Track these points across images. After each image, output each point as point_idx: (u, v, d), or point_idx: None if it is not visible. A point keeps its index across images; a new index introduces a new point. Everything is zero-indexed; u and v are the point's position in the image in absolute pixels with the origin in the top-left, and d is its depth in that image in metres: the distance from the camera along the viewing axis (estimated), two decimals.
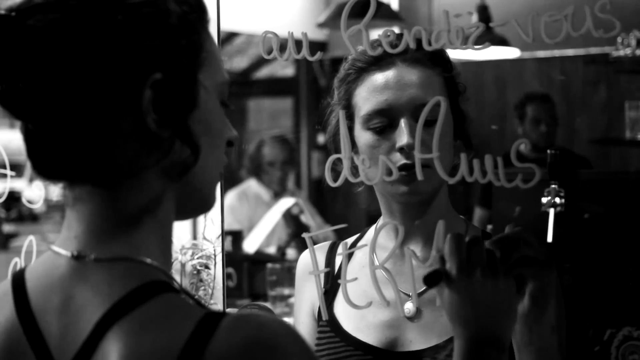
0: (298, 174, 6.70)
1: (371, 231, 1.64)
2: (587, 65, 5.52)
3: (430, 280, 1.20)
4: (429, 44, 1.33)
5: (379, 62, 1.52)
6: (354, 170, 1.47)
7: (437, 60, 1.54)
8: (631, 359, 1.23)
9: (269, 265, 3.31)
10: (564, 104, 5.67)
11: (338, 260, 1.63)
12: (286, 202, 4.36)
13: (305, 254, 1.64)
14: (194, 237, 2.05)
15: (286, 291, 3.27)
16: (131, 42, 0.96)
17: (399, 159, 1.46)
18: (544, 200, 2.24)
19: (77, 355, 0.98)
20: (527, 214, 2.28)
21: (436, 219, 1.52)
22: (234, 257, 3.46)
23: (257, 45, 1.70)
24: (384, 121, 1.47)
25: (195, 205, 1.09)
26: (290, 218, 4.10)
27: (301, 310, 1.68)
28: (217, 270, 1.83)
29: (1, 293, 1.07)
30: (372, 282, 1.37)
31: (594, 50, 5.38)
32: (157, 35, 0.98)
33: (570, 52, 5.65)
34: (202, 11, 1.05)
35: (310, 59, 1.42)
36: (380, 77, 1.52)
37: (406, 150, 1.45)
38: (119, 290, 0.98)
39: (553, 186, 2.25)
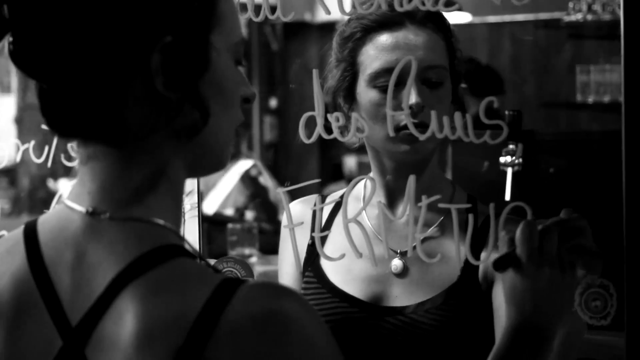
0: (250, 137, 6.71)
1: (359, 186, 1.67)
2: (539, 30, 5.59)
3: (500, 264, 1.22)
4: (401, 5, 1.36)
5: (388, 22, 1.56)
6: (327, 128, 1.49)
7: (440, 25, 1.58)
8: (593, 305, 1.29)
9: (230, 225, 3.35)
10: (516, 68, 5.75)
11: (326, 212, 1.67)
12: (244, 164, 4.38)
13: (292, 205, 1.66)
14: None
15: (247, 251, 3.31)
16: (141, 3, 0.97)
17: (403, 119, 1.47)
18: (502, 159, 2.30)
19: (90, 311, 0.97)
20: (489, 171, 2.34)
21: (427, 179, 1.58)
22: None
23: None
24: (388, 79, 1.46)
25: (210, 163, 1.09)
26: (249, 179, 4.11)
27: (285, 261, 1.71)
28: (186, 227, 1.84)
29: (12, 242, 1.07)
30: (345, 235, 1.40)
31: (544, 15, 5.45)
32: None
33: (520, 17, 5.71)
34: None
35: (271, 17, 1.45)
36: (389, 37, 1.55)
37: (414, 110, 1.48)
38: (134, 250, 0.97)
39: (511, 146, 2.31)
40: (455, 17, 5.48)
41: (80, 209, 1.02)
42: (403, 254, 1.58)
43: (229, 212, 4.21)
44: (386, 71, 1.52)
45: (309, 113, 1.46)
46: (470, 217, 1.29)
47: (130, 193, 1.01)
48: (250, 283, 0.95)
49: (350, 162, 6.32)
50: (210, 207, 4.03)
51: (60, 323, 0.99)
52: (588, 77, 5.04)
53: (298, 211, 1.62)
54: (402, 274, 1.57)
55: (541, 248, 1.21)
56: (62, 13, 0.96)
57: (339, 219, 1.63)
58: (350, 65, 1.59)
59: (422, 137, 1.36)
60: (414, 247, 1.37)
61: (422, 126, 1.37)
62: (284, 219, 1.58)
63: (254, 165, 4.26)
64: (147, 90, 0.98)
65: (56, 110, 1.01)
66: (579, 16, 4.91)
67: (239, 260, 1.58)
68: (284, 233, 1.70)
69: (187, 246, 1.01)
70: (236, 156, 5.05)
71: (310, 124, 1.47)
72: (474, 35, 5.96)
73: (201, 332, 0.91)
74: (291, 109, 6.72)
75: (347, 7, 1.45)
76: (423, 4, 1.35)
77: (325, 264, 1.63)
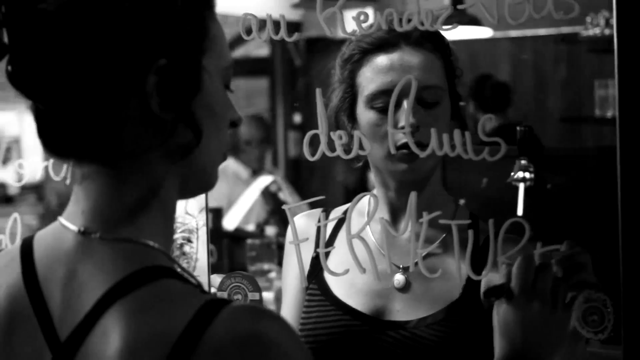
0: (275, 153, 6.74)
1: (363, 201, 1.68)
2: (558, 44, 5.60)
3: (492, 293, 1.25)
4: (400, 25, 1.39)
5: (383, 44, 1.60)
6: (332, 145, 1.52)
7: (437, 45, 1.60)
8: (591, 319, 1.30)
9: (249, 241, 3.38)
10: (535, 82, 5.76)
11: (330, 227, 1.70)
12: (264, 180, 4.41)
13: (296, 219, 1.69)
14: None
15: (266, 266, 3.34)
16: (137, 27, 1.00)
17: (401, 138, 1.52)
18: (514, 175, 2.32)
19: (77, 328, 1.00)
20: (494, 186, 2.36)
21: (429, 196, 1.60)
22: (214, 234, 3.51)
23: (231, 25, 1.74)
24: (387, 101, 1.50)
25: (198, 184, 1.11)
26: (269, 195, 4.15)
27: (289, 273, 1.75)
28: (199, 244, 1.87)
29: (10, 257, 1.10)
30: (348, 250, 1.42)
31: (565, 30, 5.46)
32: (163, 21, 1.01)
33: (542, 31, 5.72)
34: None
35: (288, 39, 1.48)
36: (384, 59, 1.59)
37: (409, 129, 1.48)
38: (122, 270, 1.00)
39: (523, 162, 2.33)
40: (477, 32, 5.51)
41: (73, 227, 1.05)
42: (405, 269, 1.61)
43: (250, 227, 4.24)
44: (382, 93, 1.56)
45: (313, 131, 1.49)
46: (470, 233, 1.31)
47: (122, 213, 1.04)
48: (234, 305, 0.97)
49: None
50: (231, 222, 4.06)
51: (50, 337, 1.02)
52: (606, 92, 5.04)
53: (303, 225, 1.65)
54: (405, 288, 1.59)
55: (535, 283, 1.23)
56: (60, 36, 0.99)
57: (342, 234, 1.66)
58: (349, 87, 1.63)
59: (422, 154, 1.38)
60: (416, 263, 1.38)
61: (420, 145, 1.39)
62: (288, 233, 1.61)
63: (273, 182, 4.30)
64: (142, 111, 1.01)
65: (52, 131, 1.04)
66: (596, 30, 4.91)
67: (246, 275, 1.60)
68: (289, 247, 1.74)
69: (177, 268, 1.03)
70: (259, 172, 5.09)
71: (316, 141, 1.50)
72: (495, 50, 5.97)
73: (183, 351, 0.93)
74: (315, 124, 6.74)
75: (349, 27, 1.49)
76: (422, 24, 1.38)
77: (329, 277, 1.66)
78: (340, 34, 1.61)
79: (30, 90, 1.02)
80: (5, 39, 0.99)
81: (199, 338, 0.93)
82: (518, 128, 2.38)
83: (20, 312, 1.05)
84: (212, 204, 4.85)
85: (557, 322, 1.25)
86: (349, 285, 1.64)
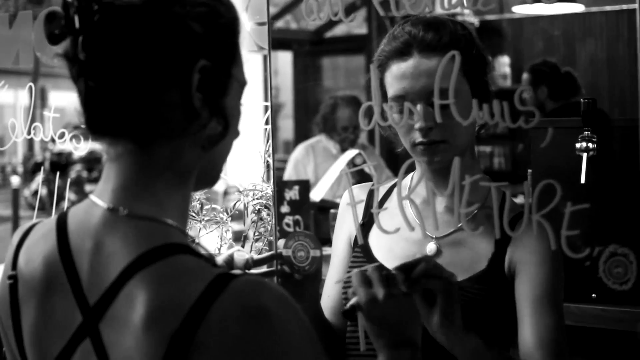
0: (372, 130, 6.84)
1: (408, 178, 1.87)
2: None
3: (349, 314, 1.44)
4: (443, 6, 1.52)
5: (398, 53, 1.76)
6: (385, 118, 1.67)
7: (452, 46, 1.71)
8: (615, 272, 1.42)
9: (332, 210, 3.52)
10: (632, 56, 5.73)
11: (375, 200, 1.86)
12: (350, 154, 4.54)
13: (352, 189, 1.87)
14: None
15: None
16: (190, 31, 1.15)
17: (417, 137, 1.73)
18: (578, 145, 2.41)
19: (104, 294, 1.13)
20: (563, 158, 2.44)
21: (479, 177, 1.74)
22: (301, 205, 3.64)
23: (331, 4, 1.90)
24: (403, 105, 1.65)
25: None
26: (354, 168, 4.24)
27: (339, 238, 1.95)
28: (273, 210, 2.01)
29: (47, 228, 1.24)
30: (399, 209, 1.57)
31: None
32: (210, 29, 1.17)
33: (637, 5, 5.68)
34: (239, 21, 1.25)
35: (382, 13, 1.62)
36: (400, 67, 1.75)
37: (421, 131, 1.71)
38: (144, 245, 1.13)
39: (586, 132, 2.42)
40: (569, 8, 5.54)
41: (102, 204, 1.18)
42: (438, 239, 1.77)
43: (339, 200, 4.36)
44: (398, 97, 1.73)
45: (368, 103, 1.62)
46: (507, 193, 1.45)
47: (148, 193, 1.18)
48: (241, 279, 1.10)
49: None
50: (317, 194, 4.20)
51: (80, 301, 1.16)
52: None
53: (355, 194, 1.82)
54: (436, 256, 1.73)
55: (370, 287, 1.42)
56: (126, 26, 1.14)
57: (387, 203, 1.84)
58: (380, 86, 1.79)
59: (436, 157, 1.60)
60: (448, 234, 1.58)
61: (433, 143, 1.64)
62: (343, 199, 1.78)
63: (358, 154, 4.42)
64: (181, 101, 1.16)
65: (97, 108, 1.17)
66: None
67: (308, 234, 1.75)
68: (341, 213, 1.95)
69: (192, 245, 1.17)
70: (352, 146, 5.20)
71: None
72: (591, 25, 5.97)
73: (194, 319, 1.06)
74: None
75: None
76: (464, 4, 1.51)
77: (372, 243, 1.84)
78: (438, 10, 1.75)
79: (87, 65, 1.15)
80: (77, 24, 1.14)
81: (208, 308, 1.06)
82: (582, 100, 2.48)
83: (56, 278, 1.19)
84: (293, 178, 5.02)
85: (402, 306, 1.43)
86: (388, 251, 1.81)
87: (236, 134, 1.27)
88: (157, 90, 1.15)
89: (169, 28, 1.15)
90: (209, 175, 1.27)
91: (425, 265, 1.44)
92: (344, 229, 1.92)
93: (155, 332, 1.07)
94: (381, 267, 1.45)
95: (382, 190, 1.90)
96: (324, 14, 1.69)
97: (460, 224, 1.72)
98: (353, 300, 1.43)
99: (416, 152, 1.74)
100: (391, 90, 1.76)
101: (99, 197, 1.20)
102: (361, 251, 1.86)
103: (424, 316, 1.47)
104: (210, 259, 1.17)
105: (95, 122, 1.18)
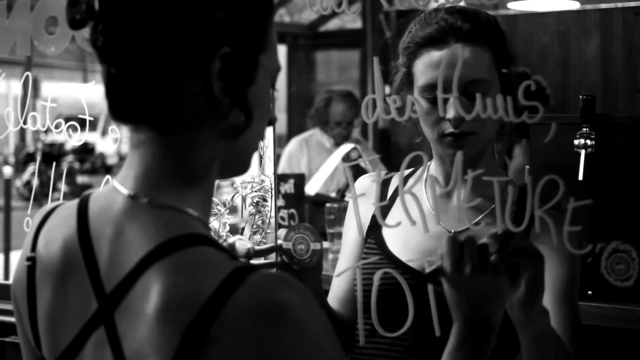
0: (364, 123, 6.85)
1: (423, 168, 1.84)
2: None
3: (430, 277, 1.42)
4: None
5: (434, 40, 1.74)
6: (388, 110, 1.66)
7: (487, 37, 1.73)
8: (617, 268, 1.42)
9: (327, 205, 3.50)
10: (625, 54, 5.74)
11: (390, 189, 1.88)
12: (345, 148, 4.54)
13: (361, 179, 1.89)
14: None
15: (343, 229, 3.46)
16: (211, 15, 1.13)
17: (448, 127, 1.71)
18: (576, 142, 2.41)
19: (121, 283, 1.11)
20: (562, 154, 2.44)
21: (482, 171, 1.74)
22: (296, 198, 3.64)
23: None
24: (435, 94, 1.61)
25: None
26: (349, 162, 4.24)
27: (350, 228, 1.93)
28: (274, 203, 2.01)
29: (68, 213, 1.22)
30: (401, 205, 1.55)
31: None
32: (233, 14, 1.14)
33: (632, 2, 5.70)
34: (271, 6, 1.22)
35: (387, 7, 1.62)
36: (434, 55, 1.73)
37: (453, 122, 1.69)
38: (163, 234, 1.10)
39: (584, 129, 2.42)
40: (564, 5, 5.54)
41: (124, 191, 1.16)
42: (456, 233, 1.74)
43: (333, 195, 4.36)
44: (431, 86, 1.71)
45: (371, 95, 1.61)
46: (510, 188, 1.45)
47: (170, 182, 1.15)
48: (259, 273, 1.07)
49: None
50: (312, 188, 4.19)
51: (97, 288, 1.14)
52: None
53: (366, 185, 1.81)
54: None
55: (462, 257, 1.38)
56: (147, 11, 1.12)
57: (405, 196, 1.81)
58: (407, 74, 1.78)
59: (464, 149, 1.55)
60: (465, 229, 1.57)
61: (464, 134, 1.61)
62: (352, 192, 1.78)
63: (354, 148, 4.42)
64: (203, 89, 1.13)
65: (120, 95, 1.15)
66: None
67: (308, 227, 1.76)
68: (352, 204, 1.89)
69: (213, 236, 1.15)
70: (343, 143, 5.20)
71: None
72: (585, 22, 5.97)
73: (209, 313, 1.03)
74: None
75: None
76: None
77: (386, 235, 1.83)
78: (431, 5, 1.75)
79: (108, 53, 1.14)
80: (96, 7, 1.12)
81: (224, 303, 1.03)
82: (581, 97, 2.47)
83: (74, 262, 1.17)
84: (287, 172, 5.02)
85: (490, 283, 1.39)
86: (403, 243, 1.80)
87: (266, 121, 1.24)
88: (177, 77, 1.13)
89: (190, 14, 1.12)
90: (235, 164, 1.23)
91: (520, 238, 1.40)
92: (355, 220, 1.90)
93: (169, 324, 1.05)
94: (473, 238, 1.40)
95: (394, 184, 1.89)
96: (327, 4, 1.68)
97: (478, 218, 1.72)
98: (437, 264, 1.41)
99: (443, 142, 1.73)
100: (422, 79, 1.74)
101: (121, 184, 1.17)
102: (375, 242, 1.84)
103: (507, 290, 1.43)
104: (231, 251, 1.15)
105: (116, 108, 1.17)
